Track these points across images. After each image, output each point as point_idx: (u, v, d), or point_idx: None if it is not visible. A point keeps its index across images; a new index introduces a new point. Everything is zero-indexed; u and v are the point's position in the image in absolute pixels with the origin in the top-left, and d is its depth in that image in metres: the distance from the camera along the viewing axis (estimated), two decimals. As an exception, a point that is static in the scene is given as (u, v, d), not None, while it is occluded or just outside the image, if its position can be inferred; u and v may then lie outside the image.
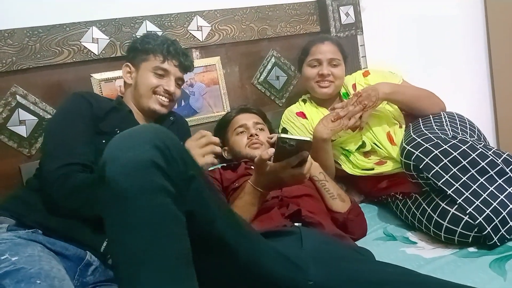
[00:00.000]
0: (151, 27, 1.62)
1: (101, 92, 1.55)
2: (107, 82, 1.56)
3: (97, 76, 1.55)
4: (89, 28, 1.52)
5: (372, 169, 1.51)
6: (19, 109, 1.44)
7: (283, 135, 1.02)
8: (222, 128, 1.61)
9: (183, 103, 1.71)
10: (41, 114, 1.46)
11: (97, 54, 1.53)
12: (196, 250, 0.71)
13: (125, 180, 0.67)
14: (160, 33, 1.62)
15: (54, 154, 1.10)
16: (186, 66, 1.38)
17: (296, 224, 1.12)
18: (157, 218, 0.67)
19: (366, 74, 1.68)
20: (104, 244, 1.10)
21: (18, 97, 1.44)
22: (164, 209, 0.68)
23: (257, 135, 1.48)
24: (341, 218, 1.28)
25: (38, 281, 0.83)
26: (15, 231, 1.03)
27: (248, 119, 1.54)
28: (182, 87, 1.67)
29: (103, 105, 1.26)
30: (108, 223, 0.69)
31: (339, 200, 1.29)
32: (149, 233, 0.67)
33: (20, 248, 0.94)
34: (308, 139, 1.04)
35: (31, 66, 1.44)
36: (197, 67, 1.71)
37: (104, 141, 1.17)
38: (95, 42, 1.53)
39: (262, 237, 0.89)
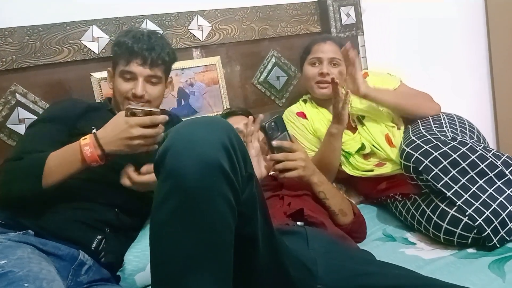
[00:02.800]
0: (151, 26, 1.61)
1: (101, 91, 1.54)
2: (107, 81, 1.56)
3: (97, 75, 1.54)
4: (89, 27, 1.52)
5: (372, 170, 1.51)
6: (18, 107, 1.43)
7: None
8: None
9: (183, 102, 1.71)
10: (40, 113, 1.46)
11: (97, 53, 1.53)
12: None
13: (193, 179, 0.64)
14: (162, 31, 1.61)
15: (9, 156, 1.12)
16: (152, 61, 1.24)
17: (298, 223, 1.11)
18: (217, 226, 0.66)
19: (365, 76, 1.68)
20: (96, 241, 1.09)
21: (17, 95, 1.43)
22: (222, 218, 0.67)
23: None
24: (343, 230, 1.25)
25: (26, 284, 0.81)
26: (6, 234, 1.01)
27: (238, 123, 1.51)
28: (182, 86, 1.68)
29: (79, 105, 1.26)
30: (163, 215, 0.66)
31: (341, 216, 1.26)
32: (207, 240, 0.65)
33: (10, 251, 0.92)
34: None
35: (31, 65, 1.44)
36: (197, 66, 1.72)
37: None
38: (95, 41, 1.52)
39: (282, 238, 0.88)
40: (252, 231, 0.76)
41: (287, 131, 1.21)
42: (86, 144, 1.01)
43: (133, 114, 1.02)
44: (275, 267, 0.82)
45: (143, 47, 1.23)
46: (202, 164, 0.65)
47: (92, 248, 1.09)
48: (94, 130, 1.06)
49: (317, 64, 1.60)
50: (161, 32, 1.40)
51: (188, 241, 0.65)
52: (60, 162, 1.04)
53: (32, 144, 1.12)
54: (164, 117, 1.02)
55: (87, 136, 1.04)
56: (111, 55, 1.31)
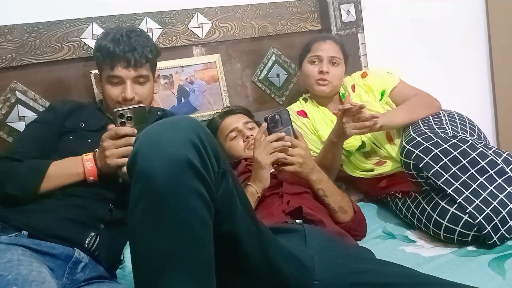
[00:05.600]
0: (151, 23, 1.61)
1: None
2: (107, 79, 1.56)
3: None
4: (89, 25, 1.51)
5: (372, 170, 1.51)
6: (18, 105, 1.43)
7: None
8: None
9: (183, 100, 1.71)
10: (40, 110, 1.45)
11: (97, 50, 1.53)
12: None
13: (161, 178, 0.65)
14: (159, 30, 1.61)
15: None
16: (136, 61, 1.23)
17: (297, 221, 1.11)
18: (189, 222, 0.66)
19: (364, 75, 1.68)
20: (88, 238, 1.09)
21: (17, 93, 1.43)
22: (196, 213, 0.67)
23: (252, 135, 1.46)
24: (343, 228, 1.25)
25: (15, 287, 0.82)
26: None
27: (237, 121, 1.52)
28: (182, 83, 1.68)
29: (68, 105, 1.30)
30: (136, 217, 0.67)
31: (340, 213, 1.26)
32: (181, 237, 0.66)
33: (0, 255, 0.92)
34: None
35: (31, 62, 1.44)
36: (197, 64, 1.72)
37: (71, 137, 1.22)
38: (95, 39, 1.51)
39: (273, 235, 0.88)
40: (231, 228, 0.76)
41: (292, 126, 1.21)
42: (88, 160, 1.12)
43: (121, 115, 1.08)
44: (267, 265, 0.82)
45: (125, 49, 1.22)
46: (170, 163, 0.66)
47: (86, 246, 1.08)
48: (96, 150, 1.13)
49: (316, 62, 1.60)
50: (140, 28, 1.39)
51: (162, 240, 0.65)
52: (60, 172, 1.12)
53: (25, 146, 1.20)
54: (131, 129, 1.07)
55: (89, 153, 1.13)
56: (94, 58, 1.31)
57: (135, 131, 1.07)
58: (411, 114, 1.49)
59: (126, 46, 1.22)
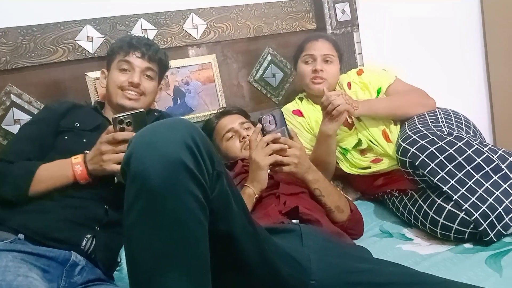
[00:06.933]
0: (146, 25, 1.61)
1: (96, 90, 1.54)
2: (102, 81, 1.55)
3: (92, 74, 1.54)
4: (83, 27, 1.51)
5: (369, 167, 1.51)
6: (13, 108, 1.43)
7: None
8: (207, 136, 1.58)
9: (179, 101, 1.71)
10: (35, 113, 1.45)
11: (91, 52, 1.52)
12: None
13: (156, 178, 0.65)
14: (154, 31, 1.62)
15: None
16: (150, 56, 1.33)
17: (293, 221, 1.11)
18: (186, 221, 0.67)
19: (360, 72, 1.68)
20: (85, 240, 1.09)
21: (12, 96, 1.43)
22: (191, 214, 0.67)
23: (248, 135, 1.46)
24: (340, 227, 1.25)
25: None
26: None
27: (233, 122, 1.52)
28: (178, 84, 1.68)
29: (64, 105, 1.32)
30: (132, 218, 0.67)
31: (337, 212, 1.26)
32: (177, 236, 0.66)
33: None
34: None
35: (25, 65, 1.43)
36: (193, 65, 1.71)
37: (66, 137, 1.23)
38: (90, 41, 1.52)
39: (269, 235, 0.88)
40: (227, 228, 0.76)
41: (286, 126, 1.21)
42: (77, 163, 1.11)
43: (121, 121, 1.06)
44: (263, 265, 0.82)
45: (142, 42, 1.34)
46: (165, 164, 0.66)
47: (82, 248, 1.08)
48: (86, 152, 1.13)
49: (310, 62, 1.60)
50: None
51: (157, 240, 0.66)
52: (50, 174, 1.12)
53: (20, 146, 1.21)
54: (129, 134, 1.06)
55: (78, 156, 1.12)
56: (108, 53, 1.36)
57: (133, 134, 1.05)
58: (394, 106, 1.52)
59: (144, 41, 1.36)
